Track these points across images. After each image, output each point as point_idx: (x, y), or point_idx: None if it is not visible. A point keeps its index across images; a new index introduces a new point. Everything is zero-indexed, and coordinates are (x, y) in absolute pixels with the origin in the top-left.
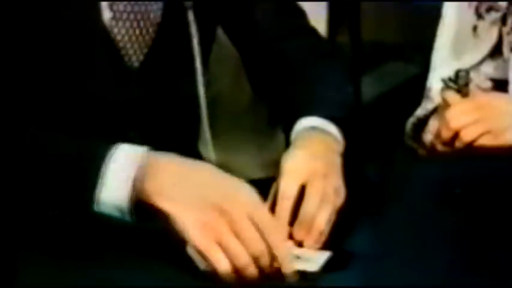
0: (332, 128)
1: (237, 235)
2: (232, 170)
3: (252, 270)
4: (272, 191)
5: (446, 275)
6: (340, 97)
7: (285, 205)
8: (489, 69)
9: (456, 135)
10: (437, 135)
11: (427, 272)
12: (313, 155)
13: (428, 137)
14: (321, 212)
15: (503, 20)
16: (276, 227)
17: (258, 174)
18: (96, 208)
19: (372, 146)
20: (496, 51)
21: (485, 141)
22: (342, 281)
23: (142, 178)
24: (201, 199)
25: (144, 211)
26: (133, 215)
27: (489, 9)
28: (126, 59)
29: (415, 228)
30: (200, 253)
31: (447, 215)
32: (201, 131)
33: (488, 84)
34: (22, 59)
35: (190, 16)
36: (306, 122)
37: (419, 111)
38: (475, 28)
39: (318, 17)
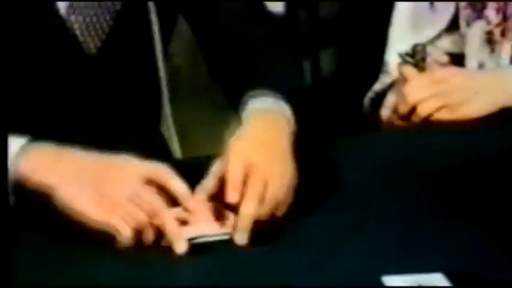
0: (283, 107)
1: (130, 198)
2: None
3: (148, 230)
4: (215, 169)
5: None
6: (291, 79)
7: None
8: (446, 43)
9: (413, 109)
10: (395, 109)
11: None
12: (260, 140)
13: (385, 111)
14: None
15: None
16: (168, 173)
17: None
18: None
19: (331, 121)
20: (452, 26)
21: (442, 115)
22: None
23: (22, 157)
24: (84, 171)
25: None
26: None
27: None
28: (83, 45)
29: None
30: (97, 223)
31: (404, 188)
32: (162, 109)
33: (445, 58)
34: None
35: (151, 4)
36: (256, 102)
37: (377, 86)
38: (432, 2)
39: None
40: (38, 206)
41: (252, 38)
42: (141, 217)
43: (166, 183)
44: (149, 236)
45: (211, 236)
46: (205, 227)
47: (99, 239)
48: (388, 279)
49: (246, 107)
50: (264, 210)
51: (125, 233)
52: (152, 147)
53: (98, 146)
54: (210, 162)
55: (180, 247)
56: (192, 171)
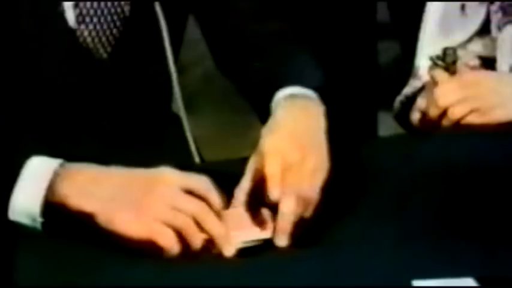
0: (313, 95)
1: (172, 207)
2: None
3: (196, 236)
4: (251, 167)
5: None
6: (316, 72)
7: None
8: (477, 47)
9: (444, 113)
10: (425, 113)
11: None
12: (293, 131)
13: (416, 115)
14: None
15: None
16: (208, 184)
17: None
18: (11, 216)
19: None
20: (484, 30)
21: (473, 119)
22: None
23: (58, 182)
24: (122, 191)
25: (55, 218)
26: (42, 219)
27: None
28: (94, 51)
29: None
30: (141, 239)
31: (436, 192)
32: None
33: (476, 62)
34: None
35: (158, 8)
36: (286, 92)
37: (407, 89)
38: (463, 6)
39: None
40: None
41: (264, 36)
42: (186, 222)
43: (205, 196)
44: (197, 242)
45: (253, 241)
46: (247, 233)
47: (146, 254)
48: (418, 283)
49: (275, 97)
50: (301, 208)
51: (169, 241)
52: (169, 153)
53: (112, 149)
54: (232, 165)
55: (230, 250)
56: (214, 175)
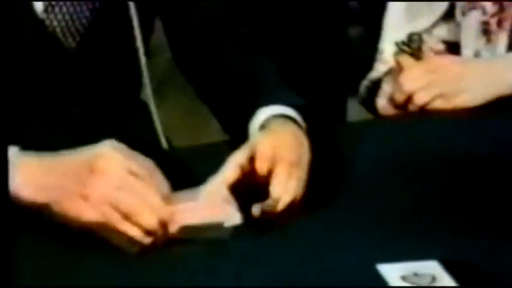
0: (297, 116)
1: (121, 189)
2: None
3: (143, 217)
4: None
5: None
6: (288, 89)
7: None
8: (442, 31)
9: (409, 98)
10: (391, 98)
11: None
12: (283, 136)
13: (382, 100)
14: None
15: None
16: (153, 168)
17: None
18: None
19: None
20: (448, 15)
21: (438, 104)
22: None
23: (12, 175)
24: (68, 177)
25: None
26: None
27: None
28: (63, 40)
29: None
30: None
31: (400, 177)
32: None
33: (441, 46)
34: None
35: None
36: (269, 111)
37: (373, 74)
38: None
39: None
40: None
41: (226, 39)
42: (132, 203)
43: (148, 179)
44: (147, 222)
45: (204, 224)
46: (196, 215)
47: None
48: (383, 267)
49: (257, 115)
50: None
51: (121, 223)
52: (137, 139)
53: (81, 137)
54: (199, 150)
55: (174, 227)
56: (180, 161)
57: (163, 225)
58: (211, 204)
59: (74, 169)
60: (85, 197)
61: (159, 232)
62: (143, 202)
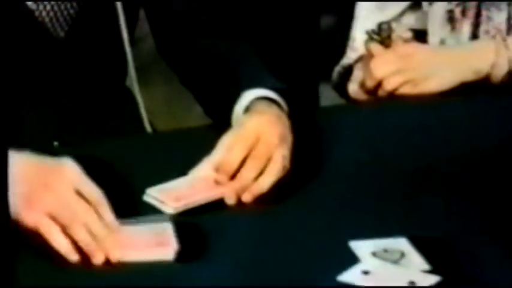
0: (279, 99)
1: (66, 208)
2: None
3: (79, 234)
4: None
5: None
6: (269, 74)
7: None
8: (410, 20)
9: (379, 84)
10: (362, 84)
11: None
12: (270, 124)
13: (353, 86)
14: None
15: None
16: (101, 198)
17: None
18: None
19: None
20: (416, 4)
21: (407, 89)
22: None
23: None
24: (22, 184)
25: None
26: None
27: None
28: (51, 30)
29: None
30: (33, 229)
31: (370, 158)
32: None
33: (409, 34)
34: None
35: None
36: (253, 94)
37: (345, 60)
38: None
39: None
40: None
41: (206, 26)
42: (72, 219)
43: (95, 207)
44: (82, 239)
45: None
46: (140, 252)
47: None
48: (354, 244)
49: (241, 98)
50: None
51: (54, 236)
52: (122, 124)
53: (68, 123)
54: (182, 134)
55: (100, 259)
56: (163, 145)
57: (103, 250)
58: (204, 188)
59: (28, 176)
60: (28, 205)
61: (92, 247)
62: (82, 221)
